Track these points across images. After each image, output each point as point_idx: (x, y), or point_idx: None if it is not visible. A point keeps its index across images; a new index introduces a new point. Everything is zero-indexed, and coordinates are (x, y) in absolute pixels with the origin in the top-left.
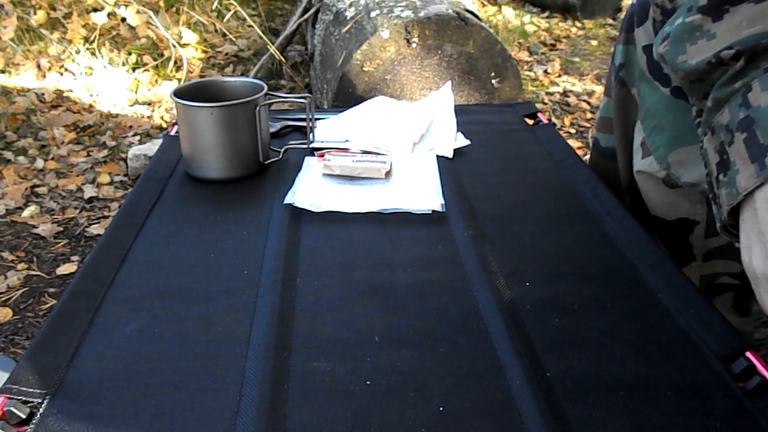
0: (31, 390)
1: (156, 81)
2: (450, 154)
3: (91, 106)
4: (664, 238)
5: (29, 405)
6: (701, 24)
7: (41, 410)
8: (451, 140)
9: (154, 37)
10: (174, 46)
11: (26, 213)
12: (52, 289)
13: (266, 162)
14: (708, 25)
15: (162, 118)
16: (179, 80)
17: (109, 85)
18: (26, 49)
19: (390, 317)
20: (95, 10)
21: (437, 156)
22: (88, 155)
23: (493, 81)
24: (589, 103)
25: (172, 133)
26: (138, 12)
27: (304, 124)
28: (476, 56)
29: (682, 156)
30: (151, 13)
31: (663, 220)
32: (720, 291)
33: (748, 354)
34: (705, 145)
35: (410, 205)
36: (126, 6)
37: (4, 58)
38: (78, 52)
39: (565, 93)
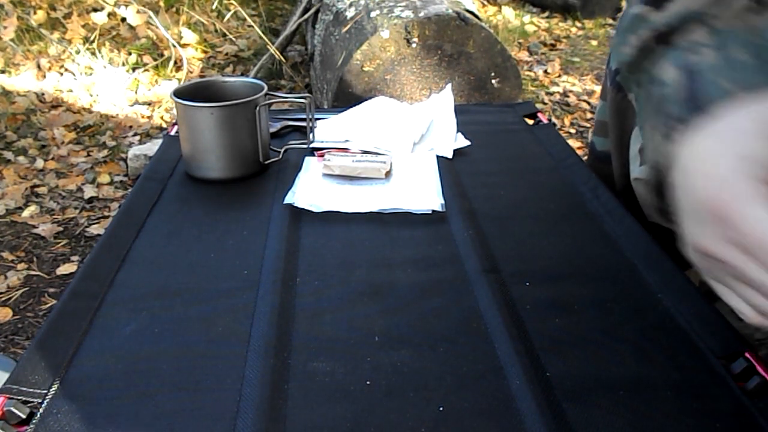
0: (31, 390)
1: (156, 81)
2: (450, 155)
3: (91, 106)
4: (662, 244)
5: (29, 405)
6: (646, 15)
7: (41, 410)
8: (451, 140)
9: (154, 37)
10: (174, 46)
11: (26, 213)
12: (52, 289)
13: (266, 162)
14: (651, 15)
15: (162, 118)
16: (179, 80)
17: (109, 85)
18: (26, 49)
19: (390, 317)
20: (95, 10)
21: (437, 156)
22: (88, 155)
23: (493, 81)
24: (589, 103)
25: (172, 133)
26: (138, 12)
27: (304, 124)
28: (476, 56)
29: None
30: (151, 13)
31: (660, 226)
32: None
33: (748, 354)
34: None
35: (410, 205)
36: (126, 6)
37: (4, 58)
38: (78, 52)
39: (565, 93)
